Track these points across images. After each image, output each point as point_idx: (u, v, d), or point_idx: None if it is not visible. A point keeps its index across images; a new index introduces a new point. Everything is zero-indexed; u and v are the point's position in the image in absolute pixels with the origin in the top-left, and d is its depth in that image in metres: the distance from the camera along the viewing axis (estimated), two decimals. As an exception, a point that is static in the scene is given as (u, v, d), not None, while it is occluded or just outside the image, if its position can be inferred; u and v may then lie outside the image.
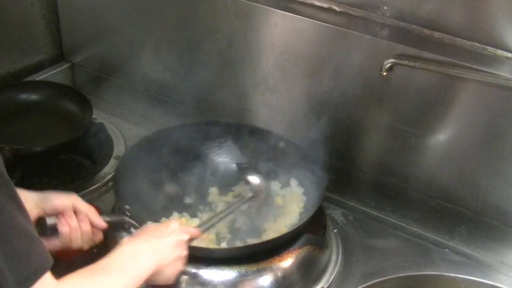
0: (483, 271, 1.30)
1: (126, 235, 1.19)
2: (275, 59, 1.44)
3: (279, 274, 1.16)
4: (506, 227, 1.32)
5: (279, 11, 1.39)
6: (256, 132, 1.43)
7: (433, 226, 1.40)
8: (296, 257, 1.19)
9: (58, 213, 1.10)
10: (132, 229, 1.18)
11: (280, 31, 1.41)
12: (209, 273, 1.14)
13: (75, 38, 1.83)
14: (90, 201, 1.33)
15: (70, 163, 1.58)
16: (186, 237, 1.11)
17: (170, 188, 1.39)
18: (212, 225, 1.21)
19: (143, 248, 1.04)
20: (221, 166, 1.44)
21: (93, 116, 1.61)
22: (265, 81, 1.48)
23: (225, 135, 1.44)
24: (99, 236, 1.15)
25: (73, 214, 1.10)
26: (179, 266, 1.09)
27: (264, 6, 1.41)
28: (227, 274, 1.14)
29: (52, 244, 1.09)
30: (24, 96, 1.68)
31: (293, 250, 1.19)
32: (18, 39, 1.74)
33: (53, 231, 1.08)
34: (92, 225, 1.12)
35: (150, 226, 1.14)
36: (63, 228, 1.09)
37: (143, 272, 1.01)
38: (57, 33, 1.83)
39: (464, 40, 1.25)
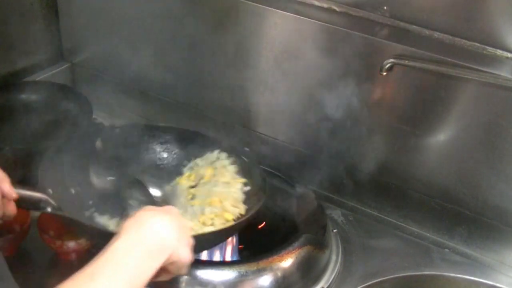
0: (483, 271, 1.30)
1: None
2: (275, 59, 1.44)
3: (279, 274, 1.16)
4: (506, 227, 1.32)
5: (279, 11, 1.39)
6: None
7: (433, 226, 1.41)
8: (296, 257, 1.19)
9: None
10: (49, 209, 1.09)
11: (280, 31, 1.41)
12: (209, 273, 1.14)
13: (75, 38, 1.83)
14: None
15: (70, 163, 1.57)
16: (188, 224, 1.03)
17: (99, 183, 1.33)
18: None
19: (152, 230, 0.90)
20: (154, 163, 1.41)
21: (93, 116, 1.61)
22: (265, 81, 1.48)
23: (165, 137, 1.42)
24: (12, 209, 1.06)
25: None
26: (189, 255, 0.96)
27: (264, 6, 1.41)
28: (227, 274, 1.14)
29: None
30: (24, 96, 1.68)
31: (293, 250, 1.19)
32: (18, 39, 1.74)
33: None
34: (2, 193, 1.04)
35: (149, 207, 1.00)
36: None
37: (151, 264, 0.88)
38: (57, 33, 1.82)
39: (464, 40, 1.25)
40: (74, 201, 1.22)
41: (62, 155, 1.26)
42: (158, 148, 1.41)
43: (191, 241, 0.98)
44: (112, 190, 1.32)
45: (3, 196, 1.04)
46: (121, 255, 0.86)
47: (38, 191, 1.10)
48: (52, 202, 1.09)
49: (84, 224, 1.12)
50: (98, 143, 1.35)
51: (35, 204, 1.09)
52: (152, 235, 0.90)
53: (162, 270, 0.93)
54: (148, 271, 0.88)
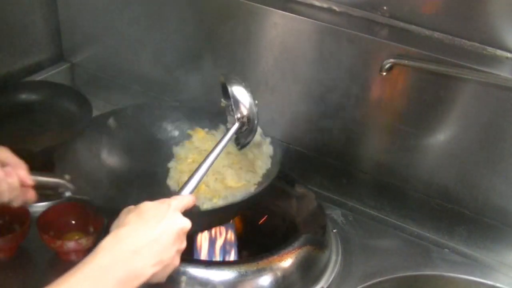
0: (483, 271, 1.30)
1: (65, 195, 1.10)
2: (274, 59, 1.44)
3: (279, 274, 1.16)
4: (506, 227, 1.32)
5: (278, 11, 1.39)
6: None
7: (433, 226, 1.41)
8: (296, 257, 1.19)
9: None
10: (68, 193, 1.10)
11: (279, 31, 1.41)
12: (208, 273, 1.14)
13: (75, 38, 1.83)
14: (90, 201, 1.33)
15: (70, 163, 1.58)
16: (189, 224, 0.95)
17: (117, 164, 1.34)
18: (199, 180, 1.04)
19: (138, 258, 0.87)
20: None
21: (93, 116, 1.61)
22: (265, 81, 1.48)
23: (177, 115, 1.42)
24: (31, 195, 1.07)
25: (0, 166, 1.03)
26: (176, 262, 0.94)
27: (264, 6, 1.41)
28: (226, 274, 1.14)
29: None
30: (24, 96, 1.68)
31: (293, 250, 1.19)
32: (18, 39, 1.74)
33: None
34: (20, 180, 1.04)
35: (146, 208, 0.94)
36: None
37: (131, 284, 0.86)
38: (56, 33, 1.83)
39: (464, 40, 1.25)
40: (91, 184, 1.21)
41: (76, 139, 1.27)
42: (169, 126, 1.41)
43: (181, 248, 0.95)
44: (127, 170, 1.32)
45: (22, 184, 1.05)
46: (91, 280, 0.84)
47: (56, 176, 1.10)
48: (71, 186, 1.10)
49: (104, 206, 1.11)
50: (111, 121, 1.35)
51: (54, 189, 1.10)
52: (124, 262, 0.86)
53: None
54: None
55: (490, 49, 1.23)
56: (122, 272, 0.86)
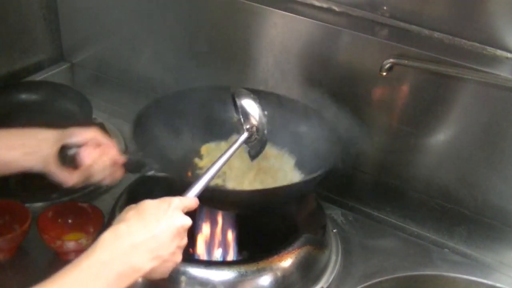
0: (483, 271, 1.30)
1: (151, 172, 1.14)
2: (274, 59, 1.44)
3: (279, 274, 1.16)
4: (506, 227, 1.32)
5: (278, 11, 1.39)
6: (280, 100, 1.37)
7: (433, 226, 1.41)
8: (296, 257, 1.19)
9: (79, 146, 1.10)
10: (152, 171, 1.14)
11: (279, 31, 1.41)
12: (208, 273, 1.14)
13: (75, 38, 1.83)
14: (90, 201, 1.34)
15: (70, 163, 1.57)
16: (189, 222, 0.96)
17: (187, 140, 1.36)
18: (206, 184, 1.05)
19: (136, 251, 0.89)
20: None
21: (93, 116, 1.61)
22: (264, 81, 1.48)
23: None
24: (119, 173, 1.15)
25: (94, 145, 1.10)
26: (177, 258, 0.95)
27: (263, 6, 1.41)
28: (226, 274, 1.14)
29: (73, 176, 1.10)
30: (24, 96, 1.68)
31: (293, 250, 1.19)
32: (18, 39, 1.74)
33: (74, 162, 1.09)
34: (113, 160, 1.12)
35: (146, 206, 0.95)
36: (85, 159, 1.09)
37: (127, 279, 0.88)
38: (56, 33, 1.83)
39: (464, 40, 1.25)
40: (170, 163, 1.26)
41: (149, 119, 1.30)
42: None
43: (181, 245, 0.95)
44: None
45: (114, 163, 1.11)
46: (90, 274, 0.86)
47: (143, 156, 1.15)
48: (156, 165, 1.14)
49: (189, 182, 1.08)
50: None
51: (140, 168, 1.14)
52: (123, 257, 0.88)
53: None
54: None
55: (490, 49, 1.23)
56: (120, 267, 0.87)
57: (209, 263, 1.15)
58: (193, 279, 1.13)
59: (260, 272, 1.15)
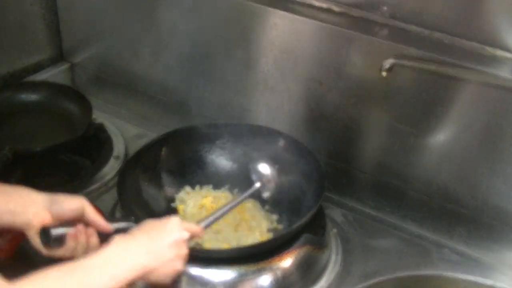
0: (482, 271, 1.30)
1: None
2: (274, 59, 1.44)
3: (279, 274, 1.17)
4: (506, 227, 1.32)
5: (278, 11, 1.39)
6: (257, 131, 1.42)
7: (433, 226, 1.40)
8: (296, 257, 1.19)
9: (64, 219, 1.06)
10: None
11: (279, 31, 1.41)
12: (208, 273, 1.14)
13: (75, 38, 1.83)
14: (90, 201, 1.33)
15: (69, 163, 1.58)
16: (186, 235, 1.07)
17: (171, 191, 1.39)
18: (215, 220, 1.17)
19: (133, 247, 0.99)
20: (223, 166, 1.44)
21: (93, 116, 1.61)
22: (264, 81, 1.48)
23: (225, 136, 1.44)
24: (95, 240, 1.10)
25: (84, 230, 1.06)
26: (177, 265, 1.05)
27: (263, 6, 1.41)
28: (226, 274, 1.14)
29: (53, 252, 1.07)
30: (23, 96, 1.68)
31: (293, 250, 1.19)
32: (18, 39, 1.75)
33: (58, 242, 1.04)
34: (100, 233, 1.09)
35: (148, 223, 1.07)
36: (71, 243, 1.05)
37: (125, 274, 0.96)
38: (56, 34, 1.83)
39: (463, 40, 1.25)
40: (153, 214, 1.29)
41: (134, 171, 1.33)
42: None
43: (181, 253, 1.05)
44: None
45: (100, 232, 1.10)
46: (94, 270, 0.94)
47: (124, 220, 1.16)
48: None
49: None
50: (164, 151, 1.41)
51: (124, 231, 1.14)
52: (117, 260, 0.97)
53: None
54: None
55: (490, 49, 1.23)
56: (142, 255, 0.99)
57: (209, 263, 1.15)
58: (193, 279, 1.14)
59: (260, 272, 1.15)
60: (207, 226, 1.15)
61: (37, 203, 1.06)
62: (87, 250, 1.06)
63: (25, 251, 1.26)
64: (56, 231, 1.03)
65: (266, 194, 1.32)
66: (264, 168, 1.32)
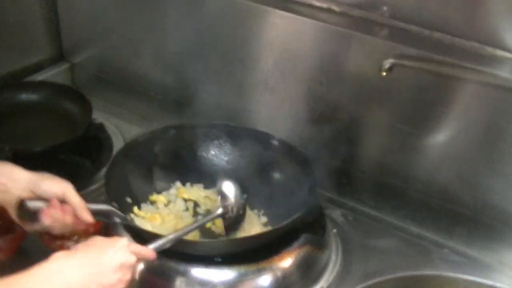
0: (482, 271, 1.30)
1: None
2: (274, 59, 1.44)
3: (279, 274, 1.17)
4: (506, 227, 1.32)
5: (278, 11, 1.39)
6: (252, 135, 1.42)
7: (433, 226, 1.40)
8: (296, 257, 1.19)
9: (45, 199, 1.07)
10: (117, 219, 1.15)
11: (279, 31, 1.41)
12: (208, 273, 1.14)
13: (75, 38, 1.83)
14: (90, 201, 1.33)
15: (69, 163, 1.57)
16: (133, 260, 0.99)
17: (161, 185, 1.40)
18: (168, 243, 1.08)
19: (73, 266, 0.92)
20: (217, 166, 1.44)
21: (93, 116, 1.61)
22: (264, 81, 1.48)
23: (222, 137, 1.44)
24: (82, 226, 1.11)
25: (58, 205, 1.06)
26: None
27: (263, 6, 1.41)
28: (226, 274, 1.14)
29: (31, 227, 1.08)
30: (24, 96, 1.68)
31: (293, 250, 1.19)
32: (18, 39, 1.74)
33: (34, 215, 1.06)
34: (79, 219, 1.08)
35: (95, 240, 1.00)
36: (45, 219, 1.05)
37: None
38: (56, 34, 1.83)
39: (463, 40, 1.25)
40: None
41: (123, 164, 1.32)
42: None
43: (124, 279, 0.98)
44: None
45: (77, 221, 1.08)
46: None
47: (107, 204, 1.16)
48: (119, 213, 1.15)
49: (149, 232, 1.19)
50: (157, 148, 1.40)
51: (105, 216, 1.15)
52: (56, 279, 0.91)
53: None
54: None
55: (490, 49, 1.23)
56: (80, 276, 0.92)
57: (209, 263, 1.15)
58: (193, 279, 1.13)
59: (260, 272, 1.15)
60: (159, 249, 1.07)
61: (20, 182, 1.07)
62: (65, 228, 1.08)
63: (25, 251, 1.27)
64: (31, 204, 1.05)
65: (228, 215, 1.27)
66: (229, 190, 1.28)
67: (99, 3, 1.70)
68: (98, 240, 1.00)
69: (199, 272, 1.14)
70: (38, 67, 1.82)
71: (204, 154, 1.44)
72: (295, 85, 1.45)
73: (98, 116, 1.67)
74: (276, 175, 1.39)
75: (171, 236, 1.09)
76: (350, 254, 1.33)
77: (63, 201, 1.07)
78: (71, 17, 1.79)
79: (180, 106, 1.66)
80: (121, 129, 1.67)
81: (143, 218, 1.30)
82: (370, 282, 1.25)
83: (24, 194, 1.07)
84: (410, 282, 1.28)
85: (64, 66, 1.86)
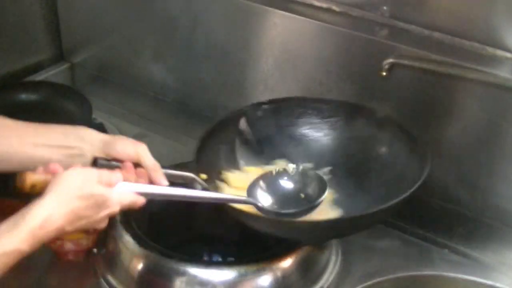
0: (483, 271, 1.30)
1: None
2: (274, 59, 1.44)
3: (279, 274, 1.16)
4: (506, 227, 1.32)
5: (278, 11, 1.39)
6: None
7: (433, 226, 1.40)
8: (296, 257, 1.19)
9: (119, 160, 1.04)
10: (199, 187, 1.10)
11: (279, 31, 1.41)
12: (208, 273, 1.14)
13: (75, 38, 1.83)
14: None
15: (70, 163, 1.57)
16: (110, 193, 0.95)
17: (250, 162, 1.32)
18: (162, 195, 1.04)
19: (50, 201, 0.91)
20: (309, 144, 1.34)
21: (93, 116, 1.61)
22: (264, 81, 1.48)
23: (337, 115, 1.33)
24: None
25: (132, 169, 1.02)
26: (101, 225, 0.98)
27: (263, 6, 1.41)
28: (226, 274, 1.14)
29: None
30: (23, 96, 1.68)
31: (293, 250, 1.19)
32: (18, 39, 1.75)
33: None
34: (153, 183, 1.03)
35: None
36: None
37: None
38: (56, 33, 1.83)
39: (463, 40, 1.25)
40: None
41: (212, 140, 1.25)
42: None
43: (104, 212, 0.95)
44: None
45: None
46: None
47: (188, 171, 1.11)
48: (202, 183, 1.10)
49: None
50: (243, 123, 1.32)
51: (186, 181, 1.10)
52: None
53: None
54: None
55: (490, 49, 1.23)
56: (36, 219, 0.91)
57: (209, 263, 1.15)
58: (193, 279, 1.13)
59: (260, 272, 1.15)
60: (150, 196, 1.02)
61: (94, 144, 1.04)
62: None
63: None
64: (105, 163, 1.03)
65: None
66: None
67: (99, 3, 1.70)
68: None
69: (199, 272, 1.14)
70: (38, 67, 1.82)
71: (298, 131, 1.34)
72: (295, 85, 1.45)
73: (98, 116, 1.67)
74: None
75: (172, 190, 1.04)
76: (350, 254, 1.32)
77: (137, 165, 1.04)
78: (71, 17, 1.79)
79: (180, 106, 1.66)
80: (121, 129, 1.67)
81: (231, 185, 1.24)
82: (370, 282, 1.25)
83: (96, 155, 1.04)
84: (410, 282, 1.27)
85: (64, 66, 1.86)
